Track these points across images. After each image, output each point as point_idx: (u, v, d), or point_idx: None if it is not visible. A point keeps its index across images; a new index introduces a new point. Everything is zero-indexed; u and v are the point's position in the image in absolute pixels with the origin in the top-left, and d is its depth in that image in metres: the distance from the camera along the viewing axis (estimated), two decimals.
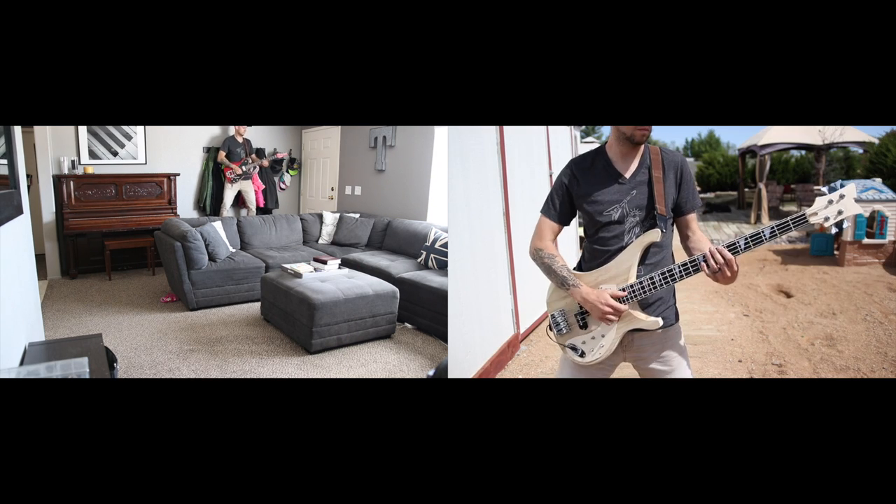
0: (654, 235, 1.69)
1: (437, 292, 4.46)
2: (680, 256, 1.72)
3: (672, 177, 1.73)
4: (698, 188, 15.24)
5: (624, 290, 1.69)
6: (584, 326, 1.79)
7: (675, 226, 1.79)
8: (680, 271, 1.66)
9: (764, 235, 1.61)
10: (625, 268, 1.70)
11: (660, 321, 1.69)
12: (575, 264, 1.85)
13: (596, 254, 1.77)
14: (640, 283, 1.68)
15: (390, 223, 6.30)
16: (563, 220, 1.83)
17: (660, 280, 1.67)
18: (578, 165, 1.80)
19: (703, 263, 1.62)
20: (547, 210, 1.84)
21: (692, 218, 1.78)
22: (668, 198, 1.72)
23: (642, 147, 1.75)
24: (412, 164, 6.56)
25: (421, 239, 5.59)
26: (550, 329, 1.87)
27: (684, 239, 1.80)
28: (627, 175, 1.74)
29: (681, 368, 1.80)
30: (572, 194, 1.79)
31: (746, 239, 1.61)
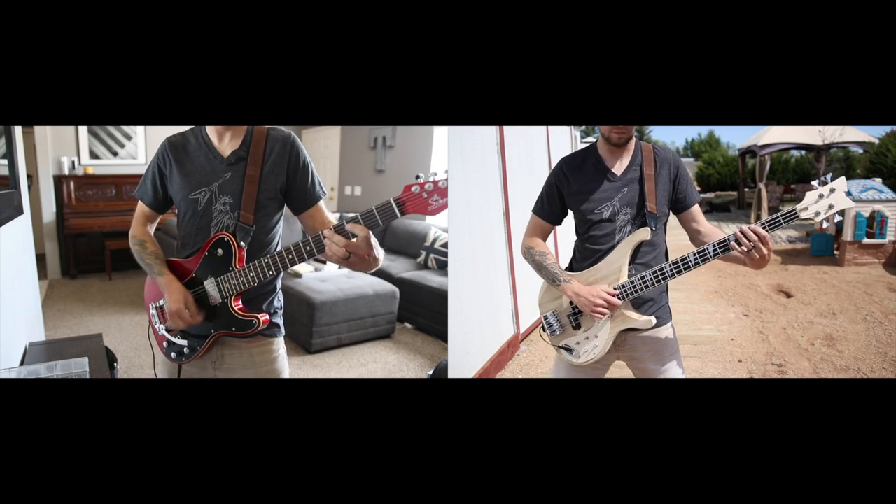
0: (644, 234, 1.65)
1: (437, 292, 4.46)
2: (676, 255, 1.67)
3: (666, 174, 1.70)
4: (698, 188, 15.32)
5: (616, 289, 1.64)
6: (578, 327, 1.75)
7: (682, 223, 1.76)
8: (671, 269, 1.61)
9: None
10: (615, 267, 1.66)
11: (653, 320, 1.66)
12: (567, 265, 1.81)
13: (587, 253, 1.72)
14: (632, 282, 1.64)
15: (390, 223, 6.31)
16: (554, 220, 1.83)
17: (651, 279, 1.62)
18: (569, 164, 1.77)
19: (733, 242, 1.54)
20: (538, 209, 1.83)
21: (696, 210, 1.73)
22: (661, 195, 1.68)
23: (632, 144, 1.73)
24: (412, 164, 6.56)
25: (421, 239, 5.59)
26: (543, 331, 1.85)
27: (695, 234, 1.74)
28: (618, 172, 1.71)
29: (673, 368, 1.78)
30: (563, 193, 1.76)
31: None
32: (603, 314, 1.65)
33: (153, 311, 1.77)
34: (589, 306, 1.65)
